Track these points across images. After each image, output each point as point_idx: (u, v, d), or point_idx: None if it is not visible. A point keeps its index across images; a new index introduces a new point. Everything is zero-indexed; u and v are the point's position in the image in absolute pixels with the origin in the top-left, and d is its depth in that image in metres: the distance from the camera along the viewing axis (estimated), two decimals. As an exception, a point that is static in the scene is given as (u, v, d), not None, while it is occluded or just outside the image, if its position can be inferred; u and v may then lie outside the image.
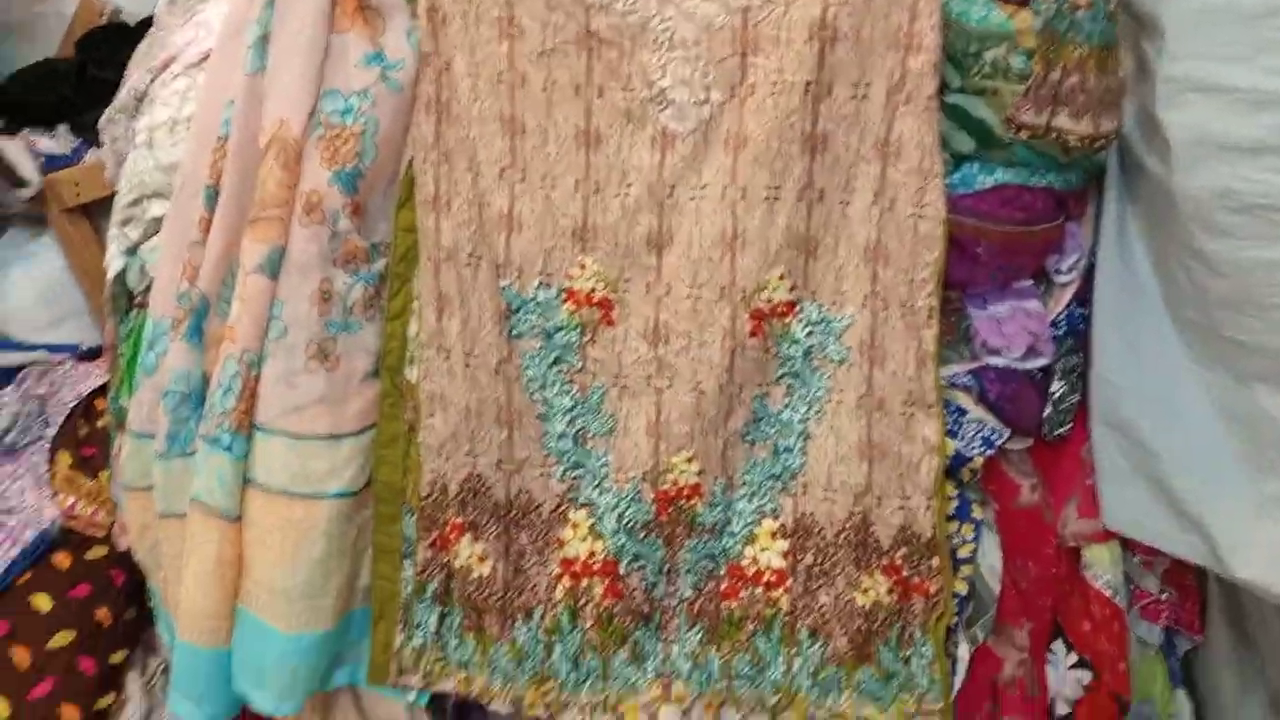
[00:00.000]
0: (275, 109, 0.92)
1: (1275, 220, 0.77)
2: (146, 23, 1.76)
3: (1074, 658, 1.07)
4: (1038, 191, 0.93)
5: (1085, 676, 1.07)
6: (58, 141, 1.79)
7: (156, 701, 1.26)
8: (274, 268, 0.93)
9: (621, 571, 0.96)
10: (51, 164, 1.74)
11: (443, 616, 1.00)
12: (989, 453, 0.94)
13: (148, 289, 1.08)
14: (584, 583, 0.96)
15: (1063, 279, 1.01)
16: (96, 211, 1.79)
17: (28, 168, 1.68)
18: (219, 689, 0.99)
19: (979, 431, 0.95)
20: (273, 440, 0.94)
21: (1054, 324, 1.01)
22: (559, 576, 0.97)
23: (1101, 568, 1.04)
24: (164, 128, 1.02)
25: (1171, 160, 0.83)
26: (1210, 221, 0.81)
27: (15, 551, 1.19)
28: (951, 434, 0.95)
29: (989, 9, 0.96)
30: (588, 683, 0.96)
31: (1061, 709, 1.07)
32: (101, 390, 1.44)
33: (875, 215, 0.94)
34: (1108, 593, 1.04)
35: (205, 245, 0.94)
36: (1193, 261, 0.86)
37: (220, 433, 0.94)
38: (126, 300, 1.14)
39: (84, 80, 1.80)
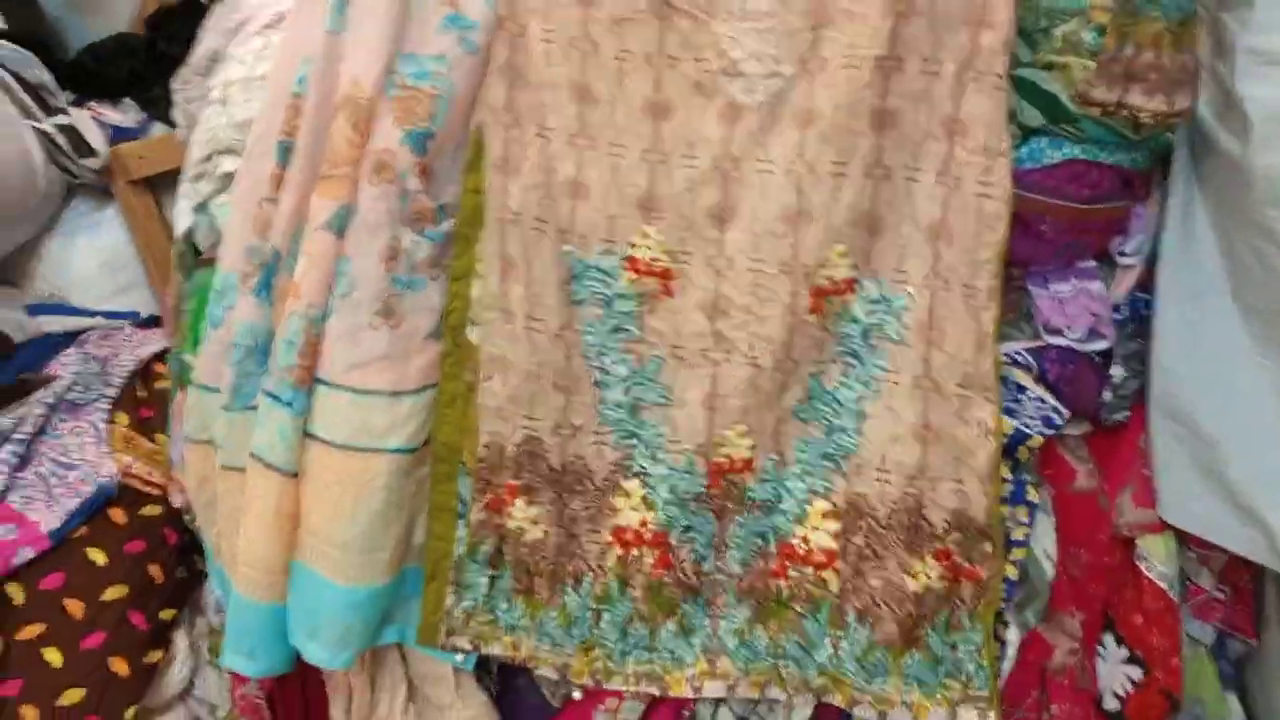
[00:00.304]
0: (351, 68, 0.94)
1: None
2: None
3: (1125, 652, 1.06)
4: (1105, 169, 0.93)
5: (1136, 672, 1.06)
6: (125, 114, 1.83)
7: (201, 661, 1.27)
8: (341, 225, 0.95)
9: (672, 543, 0.96)
10: (118, 136, 1.78)
11: (493, 579, 1.00)
12: (1049, 434, 0.93)
13: (215, 246, 1.10)
14: (634, 552, 0.96)
15: (1126, 261, 1.00)
16: (160, 184, 1.83)
17: (97, 139, 1.72)
18: (272, 643, 1.00)
19: (1040, 410, 0.94)
20: (335, 395, 0.95)
21: (1116, 307, 1.00)
22: (610, 544, 0.98)
23: (1157, 559, 1.03)
24: (238, 85, 1.04)
25: (1250, 136, 0.82)
26: None
27: (74, 504, 1.21)
28: (1010, 412, 0.95)
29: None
30: (634, 653, 0.97)
31: (1111, 704, 1.06)
32: (160, 355, 1.47)
33: (940, 194, 0.94)
34: (1162, 585, 1.03)
35: (277, 201, 0.96)
36: (1264, 243, 0.85)
37: (282, 388, 0.95)
38: (193, 257, 1.17)
39: (154, 55, 1.84)
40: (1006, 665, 0.97)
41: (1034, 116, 0.92)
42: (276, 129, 0.96)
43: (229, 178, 1.05)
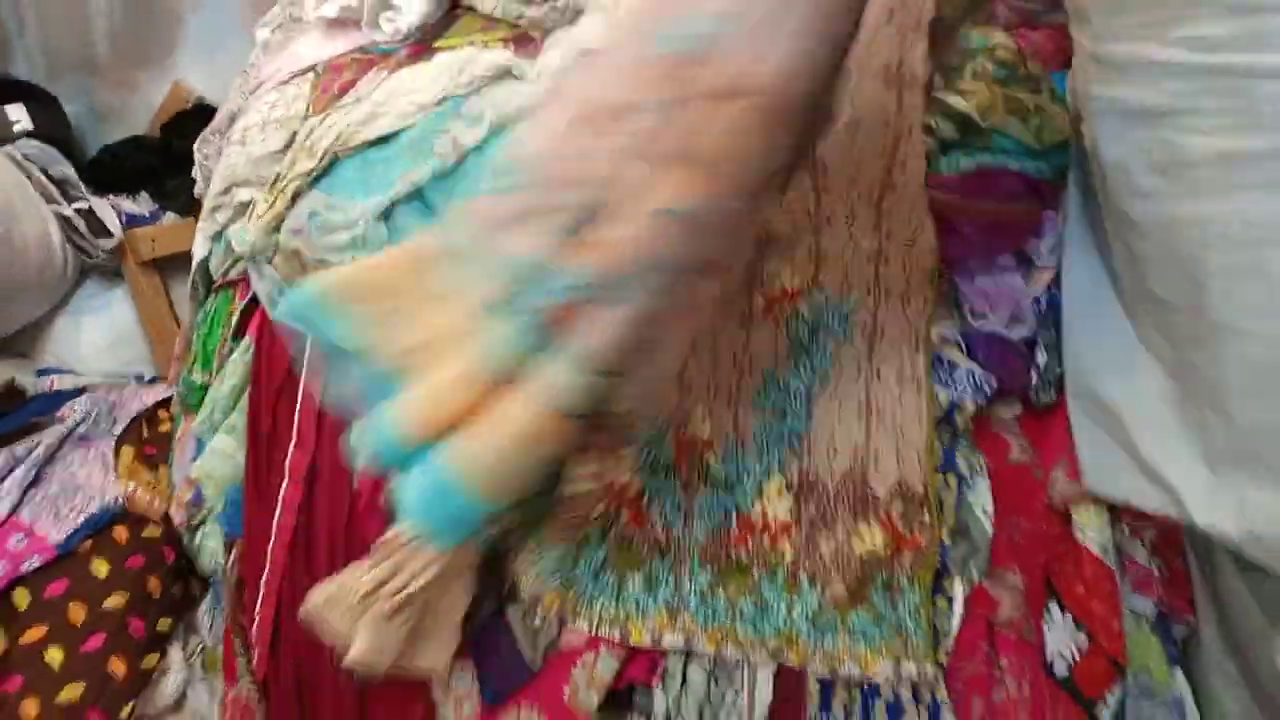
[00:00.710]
0: None
1: (1184, 177, 0.86)
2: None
3: (1070, 622, 1.13)
4: (1014, 175, 1.08)
5: (1082, 640, 1.13)
6: (139, 204, 1.99)
7: (195, 675, 1.32)
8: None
9: (644, 505, 1.05)
10: (132, 222, 1.94)
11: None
12: (980, 400, 1.04)
13: (227, 271, 1.22)
14: (614, 507, 1.05)
15: (1042, 261, 1.14)
16: (168, 267, 1.97)
17: (112, 221, 1.87)
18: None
19: (970, 381, 1.05)
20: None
21: (1035, 301, 1.13)
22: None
23: (1091, 529, 1.12)
24: (255, 127, 1.18)
25: (1097, 132, 0.95)
26: (1134, 186, 0.91)
27: (80, 520, 1.28)
28: (944, 385, 1.06)
29: (969, 28, 1.14)
30: (601, 598, 1.03)
31: (1060, 670, 1.12)
32: (164, 403, 1.56)
33: (879, 241, 1.09)
34: (1098, 553, 1.12)
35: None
36: (1124, 228, 0.96)
37: None
38: (205, 288, 1.28)
39: (169, 154, 2.01)
40: (956, 620, 1.05)
41: (949, 131, 1.08)
42: None
43: (244, 207, 1.18)
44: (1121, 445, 1.06)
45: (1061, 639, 1.12)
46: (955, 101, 1.08)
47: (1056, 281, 1.15)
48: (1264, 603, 1.18)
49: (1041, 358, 1.12)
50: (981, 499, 1.06)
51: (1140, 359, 1.02)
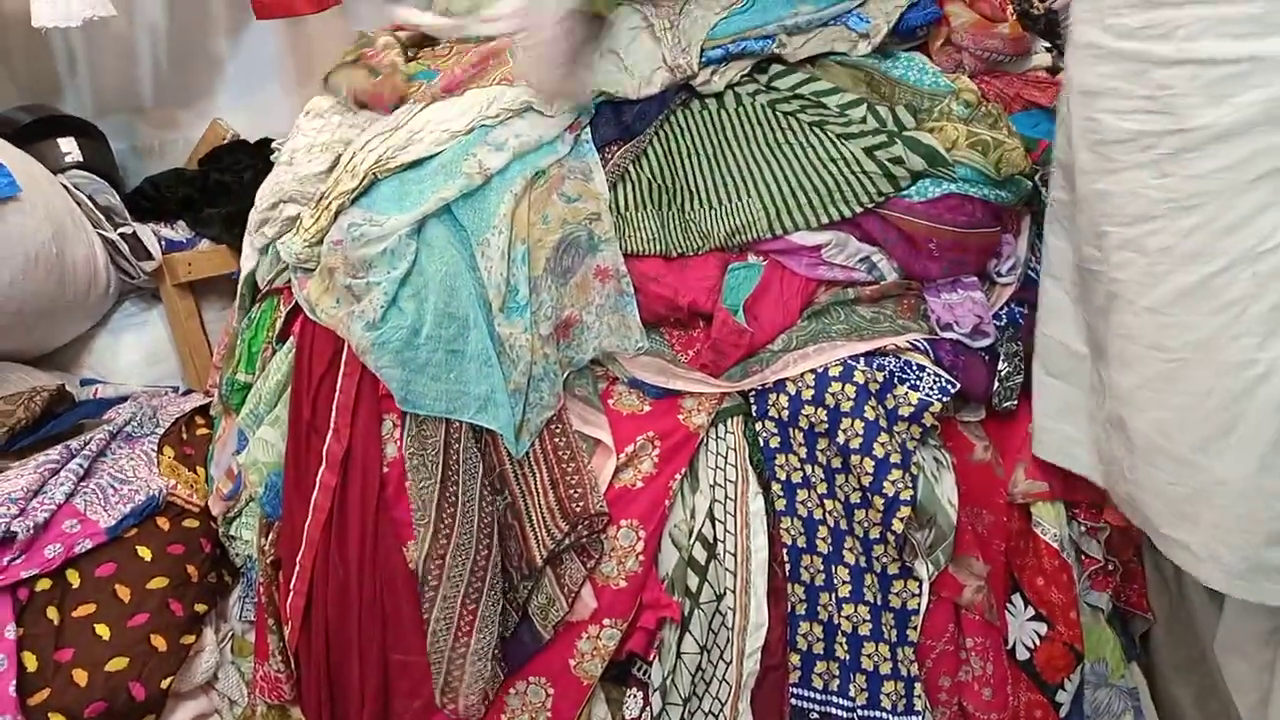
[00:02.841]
0: None
1: (1105, 154, 0.96)
2: (264, 142, 2.15)
3: (1031, 611, 1.24)
4: (977, 202, 1.21)
5: (1042, 628, 1.23)
6: (177, 231, 2.13)
7: (225, 659, 1.42)
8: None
9: None
10: (170, 248, 2.08)
11: None
12: (944, 399, 1.16)
13: (273, 280, 1.35)
14: None
15: (1003, 280, 1.27)
16: (202, 290, 2.11)
17: (153, 245, 2.01)
18: None
19: (936, 383, 1.17)
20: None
21: (996, 316, 1.26)
22: None
23: (1049, 523, 1.23)
24: (303, 150, 1.32)
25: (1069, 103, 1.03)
26: (1079, 162, 1.01)
27: (127, 509, 1.40)
28: (914, 387, 1.18)
29: (936, 76, 1.28)
30: None
31: (1022, 654, 1.23)
32: (201, 409, 1.69)
33: None
34: (1055, 546, 1.23)
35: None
36: (1076, 204, 1.05)
37: None
38: (251, 298, 1.42)
39: (206, 184, 2.16)
40: (924, 601, 1.16)
41: (918, 163, 1.21)
42: None
43: (292, 220, 1.31)
44: (1077, 419, 1.15)
45: (1023, 626, 1.23)
46: (924, 137, 1.22)
47: (1016, 298, 1.28)
48: (1212, 593, 1.29)
49: (1003, 368, 1.24)
50: (948, 491, 1.17)
51: (1084, 341, 1.12)
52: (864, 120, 1.26)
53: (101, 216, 2.01)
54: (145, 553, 1.38)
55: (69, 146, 2.10)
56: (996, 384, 1.24)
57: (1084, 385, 1.11)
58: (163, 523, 1.43)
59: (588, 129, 1.32)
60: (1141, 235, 0.94)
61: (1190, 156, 0.89)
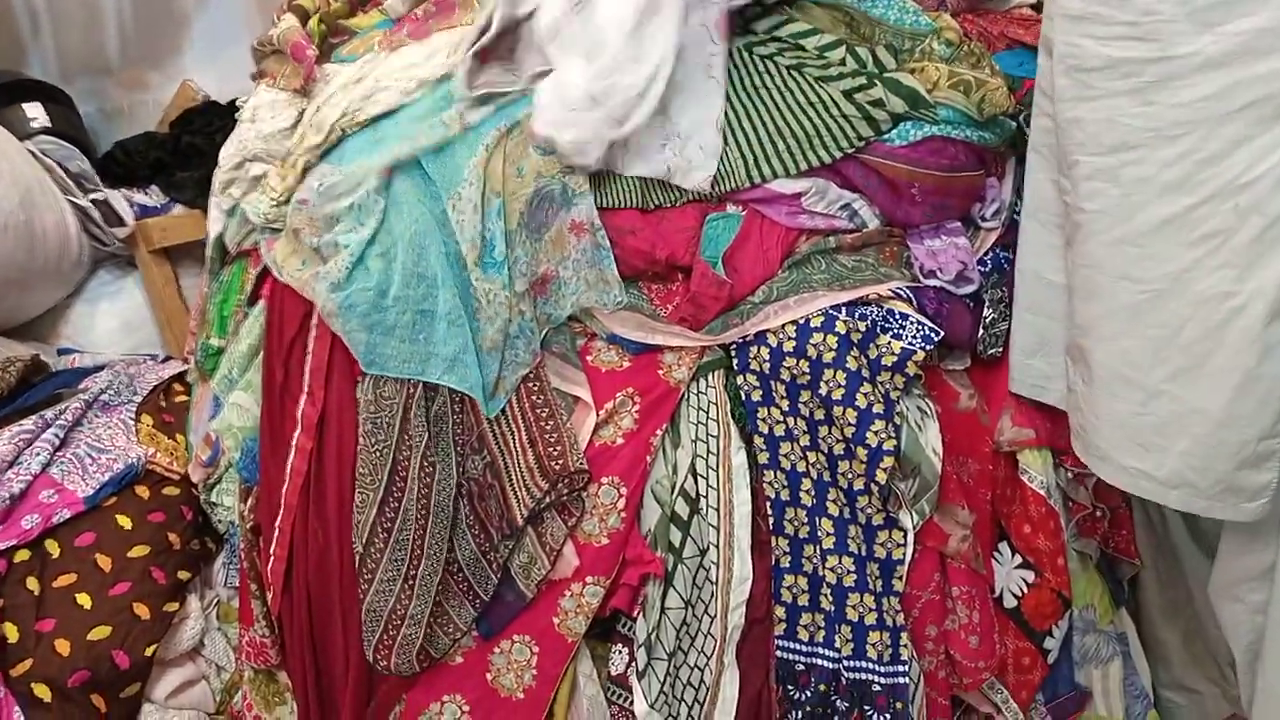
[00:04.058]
0: None
1: (1083, 80, 0.94)
2: (234, 104, 2.11)
3: (1018, 559, 1.24)
4: (959, 144, 1.18)
5: (1029, 575, 1.23)
6: (150, 196, 2.09)
7: (211, 625, 1.42)
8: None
9: None
10: (144, 213, 2.04)
11: None
12: (928, 348, 1.14)
13: (241, 241, 1.32)
14: None
15: (988, 225, 1.24)
16: (178, 256, 2.08)
17: (125, 211, 1.97)
18: None
19: (919, 331, 1.15)
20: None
21: (981, 262, 1.23)
22: None
23: (1036, 470, 1.22)
24: (265, 105, 1.29)
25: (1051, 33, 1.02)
26: (1056, 88, 0.99)
27: (105, 478, 1.38)
28: (896, 336, 1.16)
29: (918, 15, 1.25)
30: None
31: (1010, 602, 1.23)
32: (179, 376, 1.67)
33: None
34: (1042, 493, 1.22)
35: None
36: (1056, 130, 1.03)
37: None
38: (220, 261, 1.39)
39: (178, 147, 2.12)
40: (909, 551, 1.15)
41: (899, 105, 1.18)
42: None
43: (257, 180, 1.28)
44: (1053, 353, 1.14)
45: (1010, 574, 1.23)
46: (904, 78, 1.18)
47: (1001, 243, 1.26)
48: (1198, 536, 1.29)
49: (988, 314, 1.22)
50: (932, 440, 1.16)
51: (1060, 277, 1.11)
52: (843, 62, 1.22)
53: (71, 183, 1.97)
54: (125, 521, 1.37)
55: (35, 112, 2.05)
56: (981, 331, 1.22)
57: (1059, 316, 1.11)
58: (143, 491, 1.42)
59: (562, 79, 1.28)
60: (1117, 165, 0.93)
61: (1175, 85, 0.88)
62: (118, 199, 2.00)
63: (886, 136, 1.19)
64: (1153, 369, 0.95)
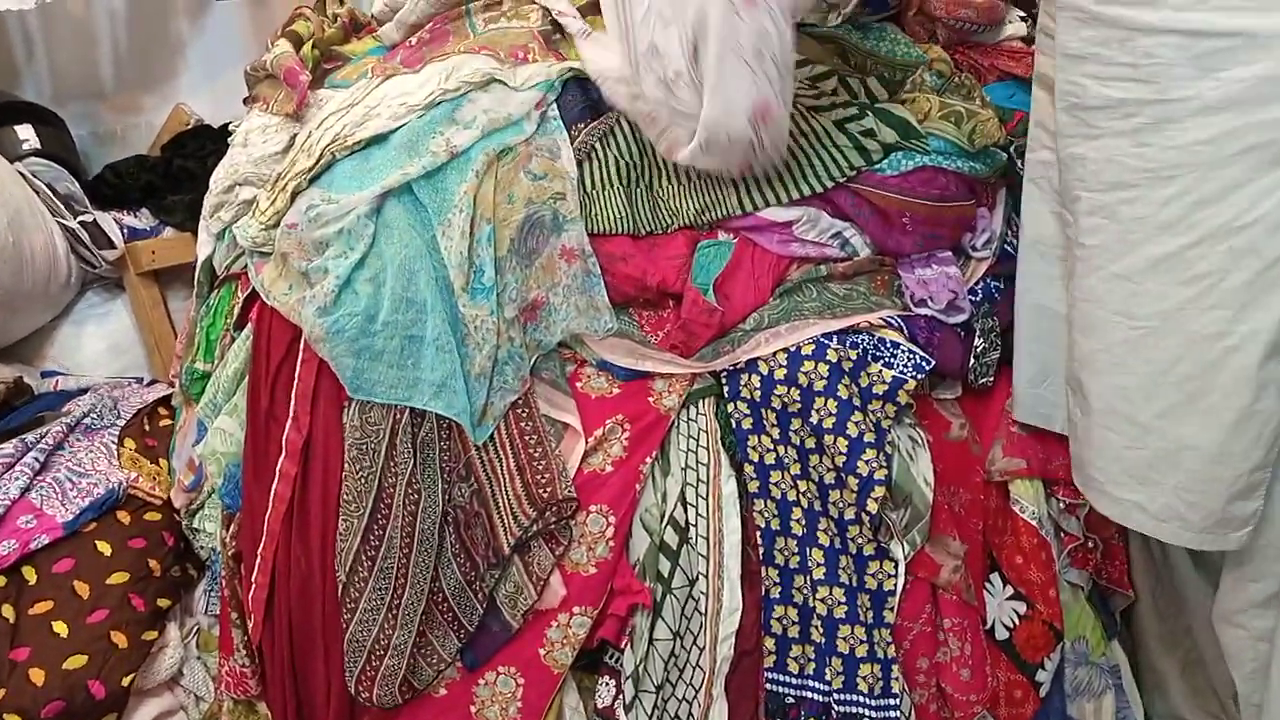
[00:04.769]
0: None
1: (1083, 118, 0.95)
2: (227, 129, 2.11)
3: (1010, 590, 1.23)
4: (950, 175, 1.18)
5: (1021, 607, 1.22)
6: (140, 219, 2.08)
7: (190, 654, 1.39)
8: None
9: None
10: (133, 235, 2.03)
11: None
12: (919, 376, 1.14)
13: (230, 265, 1.31)
14: None
15: (979, 254, 1.24)
16: (167, 279, 2.06)
17: (114, 233, 1.96)
18: None
19: (910, 360, 1.14)
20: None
21: (972, 291, 1.23)
22: None
23: (1027, 500, 1.21)
24: (257, 130, 1.28)
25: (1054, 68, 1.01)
26: (1058, 124, 1.00)
27: (86, 502, 1.36)
28: (888, 365, 1.15)
29: (909, 46, 1.25)
30: None
31: (1001, 634, 1.21)
32: (164, 400, 1.65)
33: None
34: (1034, 524, 1.21)
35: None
36: (1057, 167, 1.04)
37: None
38: (209, 283, 1.38)
39: (170, 170, 2.11)
40: (900, 582, 1.14)
41: (890, 135, 1.18)
42: None
43: (248, 204, 1.27)
44: (1056, 383, 1.14)
45: (1002, 606, 1.21)
46: (895, 109, 1.19)
47: (991, 273, 1.26)
48: (1201, 565, 1.27)
49: (979, 344, 1.22)
50: (923, 470, 1.15)
51: (1061, 309, 1.11)
52: (835, 92, 1.23)
53: (61, 205, 1.96)
54: (105, 547, 1.34)
55: (27, 134, 2.04)
56: (972, 360, 1.22)
57: (1061, 346, 1.10)
58: (124, 516, 1.40)
59: (555, 106, 1.28)
60: (1115, 202, 0.93)
61: (1171, 128, 0.88)
62: (107, 221, 1.99)
63: (878, 166, 1.19)
64: (1146, 404, 0.96)
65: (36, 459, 1.39)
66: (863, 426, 1.12)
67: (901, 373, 1.14)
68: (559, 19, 1.27)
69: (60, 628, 1.25)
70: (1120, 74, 0.90)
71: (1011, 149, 1.27)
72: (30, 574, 1.29)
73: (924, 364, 1.14)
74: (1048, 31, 1.05)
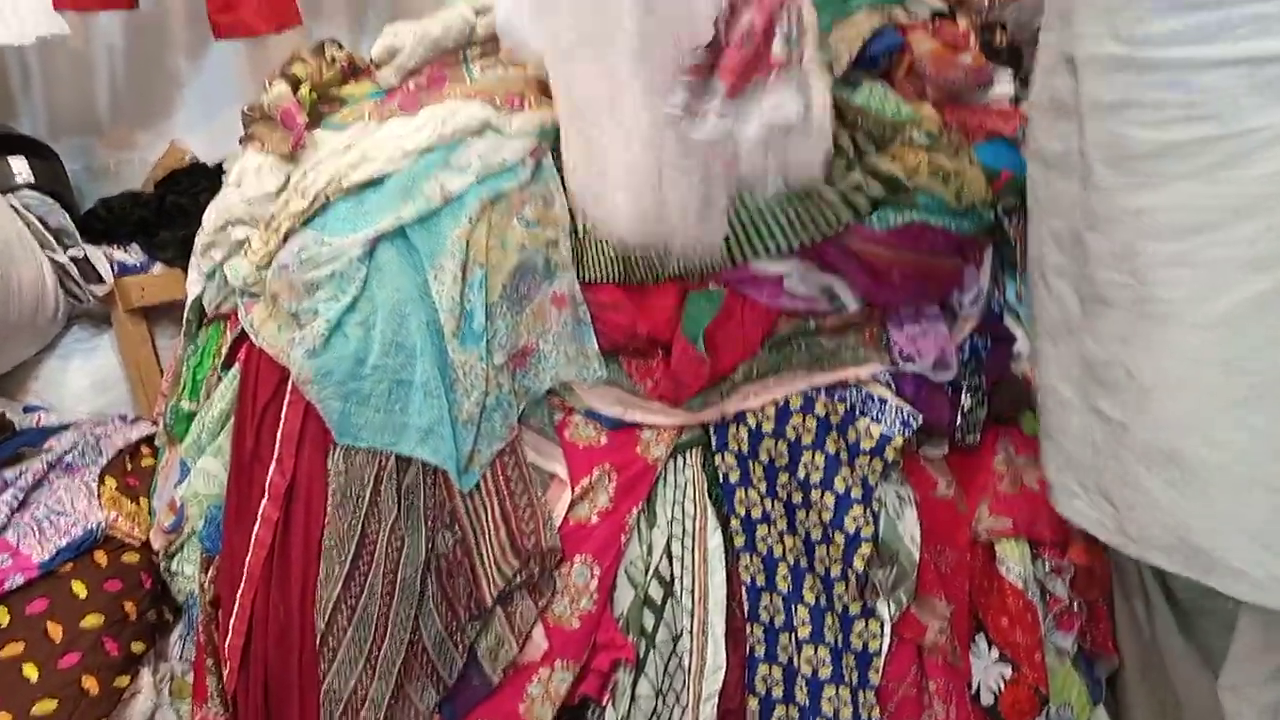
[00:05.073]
0: None
1: (1136, 169, 0.89)
2: (221, 167, 2.11)
3: (995, 653, 1.22)
4: (939, 231, 1.19)
5: (1006, 670, 1.21)
6: (131, 255, 2.08)
7: (164, 700, 1.36)
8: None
9: None
10: (123, 271, 2.02)
11: None
12: (907, 433, 1.14)
13: (219, 306, 1.31)
14: None
15: (965, 312, 1.25)
16: (155, 315, 2.05)
17: (104, 268, 1.95)
18: None
19: (898, 417, 1.14)
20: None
21: (960, 348, 1.23)
22: None
23: (1013, 561, 1.21)
24: (251, 171, 1.28)
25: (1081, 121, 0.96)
26: (1094, 179, 0.94)
27: (63, 542, 1.34)
28: (875, 420, 1.15)
29: (899, 104, 1.27)
30: None
31: (986, 699, 1.20)
32: (147, 439, 1.63)
33: None
34: (1019, 585, 1.20)
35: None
36: (1086, 225, 0.98)
37: None
38: (198, 321, 1.37)
39: (162, 207, 2.11)
40: (886, 642, 1.12)
41: (879, 190, 1.19)
42: None
43: (240, 244, 1.27)
44: (1066, 463, 1.07)
45: (989, 671, 1.20)
46: (884, 164, 1.20)
47: (979, 330, 1.26)
48: (1190, 635, 1.26)
49: (966, 401, 1.22)
50: (910, 528, 1.14)
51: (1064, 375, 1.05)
52: (826, 148, 1.24)
53: (51, 238, 1.95)
54: (80, 589, 1.32)
55: (20, 166, 2.04)
56: (959, 418, 1.22)
57: (1074, 433, 1.05)
58: (101, 557, 1.37)
59: (549, 154, 1.29)
60: (1195, 248, 0.88)
61: (1246, 161, 0.84)
62: (97, 256, 1.98)
63: (867, 221, 1.19)
64: (1274, 463, 0.89)
65: (15, 497, 1.37)
66: (850, 482, 1.12)
67: (889, 429, 1.14)
68: None
69: (30, 671, 1.23)
70: (1175, 115, 0.87)
71: (998, 208, 1.28)
72: (2, 615, 1.26)
73: (911, 420, 1.14)
74: (1055, 100, 1.00)
